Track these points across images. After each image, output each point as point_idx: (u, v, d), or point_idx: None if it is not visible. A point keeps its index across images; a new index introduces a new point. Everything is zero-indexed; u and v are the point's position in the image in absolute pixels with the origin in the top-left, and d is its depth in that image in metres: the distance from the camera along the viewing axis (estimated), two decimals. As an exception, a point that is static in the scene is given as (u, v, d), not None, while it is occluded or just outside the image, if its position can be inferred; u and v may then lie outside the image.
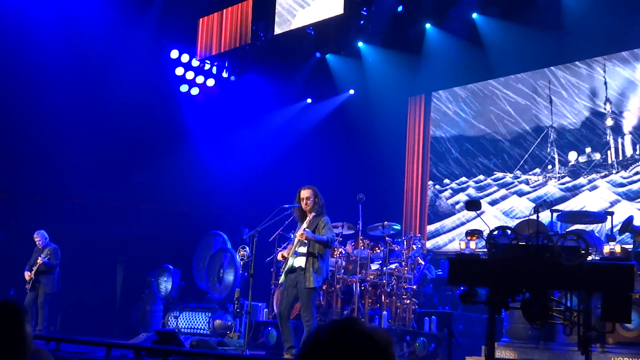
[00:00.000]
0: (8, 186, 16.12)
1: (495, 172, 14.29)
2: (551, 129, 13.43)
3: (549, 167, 13.43)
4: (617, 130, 12.65)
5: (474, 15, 13.66)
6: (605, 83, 12.78)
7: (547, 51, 13.38)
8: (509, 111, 14.20)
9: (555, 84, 13.50)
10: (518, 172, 13.86)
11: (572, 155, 13.17)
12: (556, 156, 13.35)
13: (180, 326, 12.94)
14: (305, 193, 8.28)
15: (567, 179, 13.14)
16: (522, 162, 13.80)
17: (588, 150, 12.98)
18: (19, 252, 13.31)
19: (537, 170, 13.57)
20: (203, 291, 13.74)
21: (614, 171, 12.59)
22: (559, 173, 13.30)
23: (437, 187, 15.16)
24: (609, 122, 12.71)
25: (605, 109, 12.79)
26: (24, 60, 15.00)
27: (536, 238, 6.02)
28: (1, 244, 14.26)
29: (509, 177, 14.03)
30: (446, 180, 15.06)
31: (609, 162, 12.68)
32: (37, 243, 12.63)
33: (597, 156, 12.84)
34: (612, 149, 12.67)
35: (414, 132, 15.76)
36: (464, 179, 14.78)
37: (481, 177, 14.47)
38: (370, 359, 1.80)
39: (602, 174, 12.72)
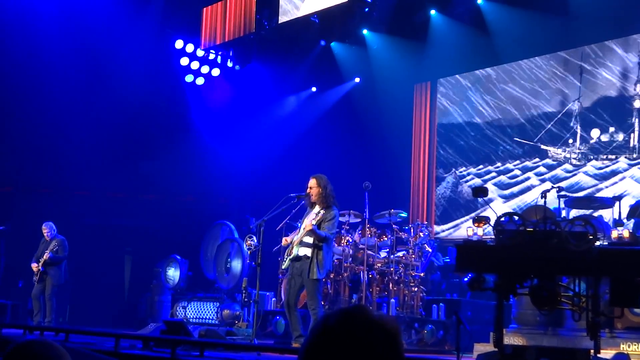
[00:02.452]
0: (15, 178, 16.15)
1: (508, 158, 14.17)
2: (577, 104, 13.23)
3: (570, 141, 13.30)
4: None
5: (479, 0, 13.58)
6: (639, 64, 12.62)
7: (553, 36, 13.27)
8: (519, 96, 14.10)
9: (580, 65, 13.31)
10: (534, 156, 13.74)
11: (595, 133, 12.97)
12: (579, 131, 13.20)
13: (188, 316, 12.98)
14: (310, 182, 8.30)
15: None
16: (540, 135, 13.64)
17: (612, 129, 12.78)
18: (27, 244, 13.34)
19: (557, 145, 13.41)
20: (211, 281, 13.77)
21: (634, 154, 12.43)
22: (579, 149, 13.17)
23: (461, 172, 14.95)
24: (637, 104, 12.55)
25: (635, 89, 12.62)
26: (28, 52, 14.99)
27: (543, 224, 6.00)
28: (8, 236, 14.29)
29: (522, 162, 13.93)
30: (462, 168, 14.91)
31: (631, 145, 12.49)
32: (45, 235, 12.65)
33: (619, 137, 12.66)
34: (636, 132, 12.48)
35: (420, 119, 15.70)
36: (481, 166, 14.61)
37: (498, 163, 14.30)
38: (379, 346, 1.80)
39: (623, 156, 12.53)
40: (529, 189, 13.70)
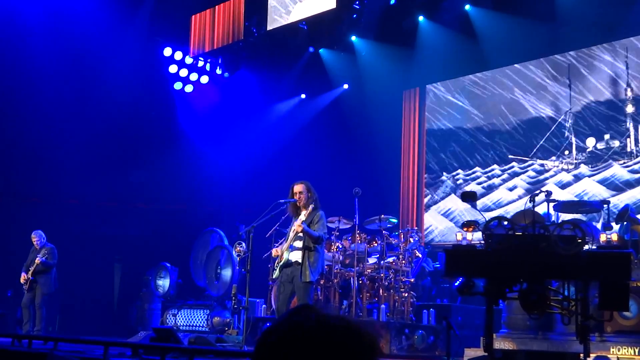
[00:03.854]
0: (3, 187, 16.06)
1: (499, 162, 14.18)
2: (569, 114, 13.22)
3: (566, 152, 13.25)
4: (638, 117, 12.39)
5: (467, 6, 13.65)
6: (627, 69, 12.64)
7: (541, 41, 13.34)
8: (508, 102, 14.13)
9: (568, 71, 13.30)
10: (531, 160, 13.69)
11: (590, 142, 12.92)
12: (573, 141, 13.18)
13: (178, 324, 12.93)
14: (297, 188, 8.26)
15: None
16: (535, 149, 13.60)
17: (607, 137, 12.73)
18: (16, 253, 13.28)
19: (552, 158, 13.39)
20: (201, 288, 13.73)
21: (632, 159, 12.36)
22: (575, 159, 13.15)
23: (460, 177, 14.92)
24: (630, 108, 12.50)
25: (626, 95, 12.59)
26: (15, 60, 14.94)
27: (532, 228, 6.02)
28: (-3, 244, 14.23)
29: (517, 167, 13.93)
30: (459, 171, 14.89)
31: (628, 149, 12.46)
32: (34, 243, 12.59)
33: (616, 143, 12.60)
34: (632, 137, 12.41)
35: (409, 125, 15.73)
36: (477, 168, 14.56)
37: (495, 165, 14.26)
38: (322, 354, 1.58)
39: (621, 162, 12.45)
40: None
